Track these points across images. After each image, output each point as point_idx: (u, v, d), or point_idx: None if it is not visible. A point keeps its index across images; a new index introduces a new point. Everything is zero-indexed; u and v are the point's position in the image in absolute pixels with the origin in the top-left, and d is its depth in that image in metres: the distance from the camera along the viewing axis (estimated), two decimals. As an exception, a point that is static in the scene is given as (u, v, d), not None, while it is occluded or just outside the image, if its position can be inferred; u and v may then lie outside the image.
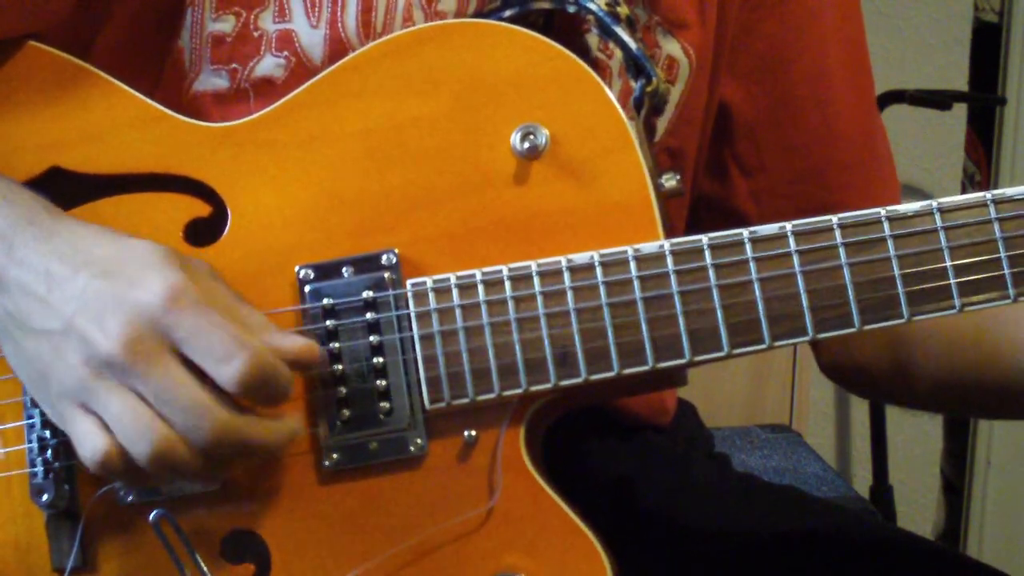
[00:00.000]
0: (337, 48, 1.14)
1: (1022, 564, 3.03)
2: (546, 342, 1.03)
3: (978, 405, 1.36)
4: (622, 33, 1.14)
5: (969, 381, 1.26)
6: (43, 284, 0.98)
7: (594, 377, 1.03)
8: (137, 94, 1.11)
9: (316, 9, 1.15)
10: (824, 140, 1.36)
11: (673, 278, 1.03)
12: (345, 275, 1.06)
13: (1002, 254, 1.01)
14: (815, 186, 1.34)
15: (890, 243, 1.01)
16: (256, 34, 1.16)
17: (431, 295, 1.04)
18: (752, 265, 1.02)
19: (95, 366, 0.96)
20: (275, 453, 1.03)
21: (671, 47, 1.26)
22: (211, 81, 1.16)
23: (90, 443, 0.97)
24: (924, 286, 1.01)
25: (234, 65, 1.16)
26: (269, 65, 1.16)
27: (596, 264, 1.03)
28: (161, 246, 1.00)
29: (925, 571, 1.28)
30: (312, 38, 1.15)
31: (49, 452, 1.06)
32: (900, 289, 1.01)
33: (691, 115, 1.30)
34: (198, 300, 0.97)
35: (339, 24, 1.15)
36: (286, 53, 1.15)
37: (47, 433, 1.06)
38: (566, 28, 1.18)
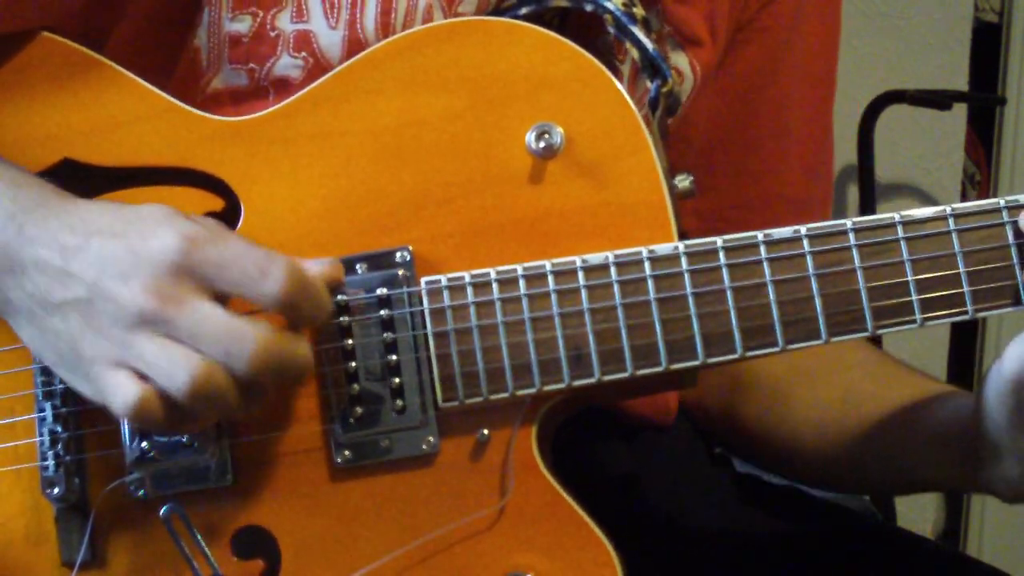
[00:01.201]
0: (356, 49, 1.13)
1: (1022, 564, 3.03)
2: (560, 342, 1.03)
3: (778, 461, 1.39)
4: (639, 33, 1.14)
5: (776, 436, 1.33)
6: (58, 256, 0.98)
7: (608, 377, 1.03)
8: (151, 87, 1.11)
9: (335, 10, 1.15)
10: (775, 172, 1.37)
11: (687, 279, 1.03)
12: (359, 272, 1.06)
13: (1015, 260, 1.01)
14: (758, 216, 1.35)
15: (903, 247, 1.02)
16: (273, 34, 1.15)
17: (445, 293, 1.04)
18: (766, 267, 1.02)
19: (127, 323, 0.96)
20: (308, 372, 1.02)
21: (679, 60, 1.27)
22: (230, 79, 1.16)
23: (122, 392, 0.96)
24: (937, 292, 1.01)
25: (251, 65, 1.16)
26: (286, 65, 1.15)
27: (610, 264, 1.03)
28: (165, 205, 1.00)
29: (925, 571, 1.28)
30: (331, 39, 1.15)
31: (60, 446, 1.06)
32: (913, 294, 1.01)
33: (688, 132, 1.31)
34: (214, 237, 0.97)
35: (358, 25, 1.14)
36: (304, 54, 1.15)
37: (58, 427, 1.06)
38: (581, 29, 1.18)
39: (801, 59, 1.36)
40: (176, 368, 0.95)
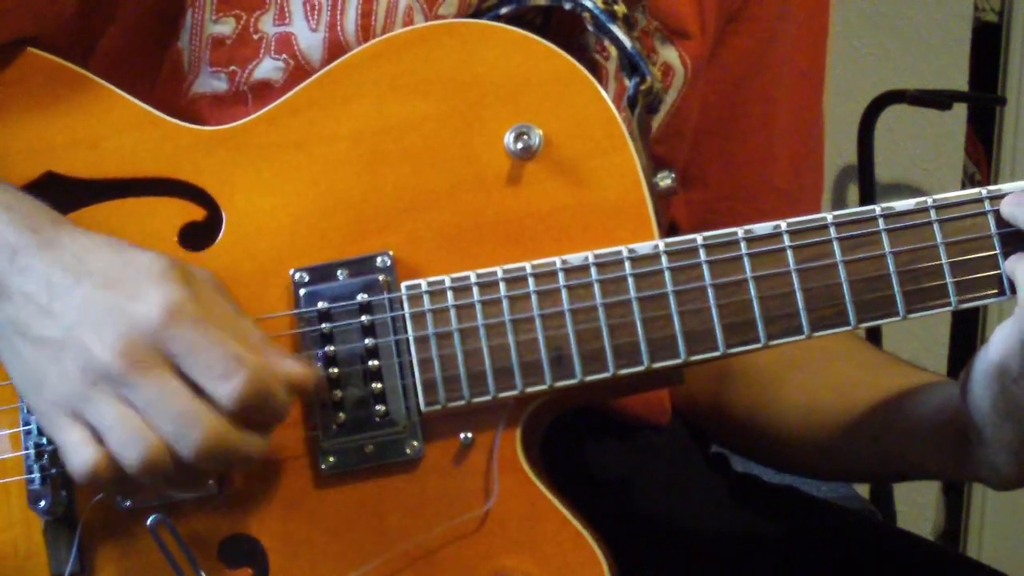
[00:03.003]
0: (336, 51, 1.14)
1: (1022, 564, 3.03)
2: (541, 343, 1.03)
3: (768, 453, 1.39)
4: (617, 31, 1.14)
5: (764, 429, 1.32)
6: (45, 293, 0.98)
7: (589, 378, 1.03)
8: (132, 99, 1.11)
9: (316, 12, 1.15)
10: (764, 161, 1.37)
11: (668, 277, 1.02)
12: (340, 278, 1.05)
13: (998, 251, 1.00)
14: (747, 206, 1.35)
15: (885, 240, 1.01)
16: (256, 37, 1.16)
17: (426, 297, 1.04)
18: (747, 263, 1.02)
19: (91, 376, 0.96)
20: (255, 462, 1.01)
21: (668, 54, 1.26)
22: (209, 83, 1.16)
23: (79, 454, 0.97)
24: (920, 283, 1.01)
25: (233, 67, 1.16)
26: (268, 68, 1.16)
27: (591, 264, 1.03)
28: (165, 258, 0.99)
29: (925, 571, 1.28)
30: (311, 41, 1.15)
31: (46, 458, 1.06)
32: (896, 287, 1.01)
33: (681, 126, 1.31)
34: (197, 316, 0.96)
35: (338, 27, 1.15)
36: (285, 56, 1.15)
37: (44, 439, 1.06)
38: (563, 27, 1.18)
39: (788, 50, 1.35)
40: (130, 441, 0.95)
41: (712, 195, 1.36)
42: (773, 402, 1.31)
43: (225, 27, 1.16)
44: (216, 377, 0.95)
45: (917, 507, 3.13)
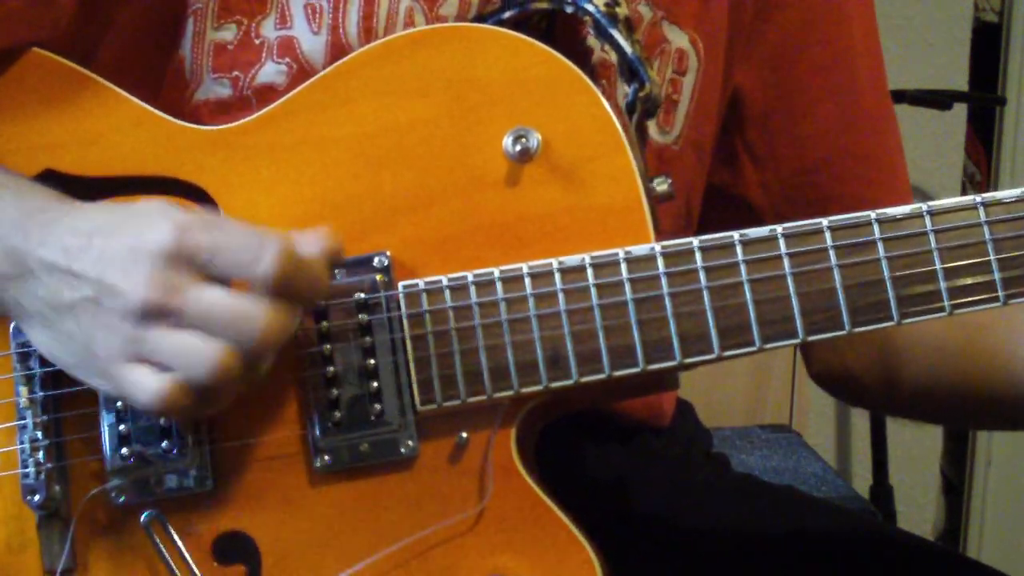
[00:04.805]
0: (339, 54, 1.14)
1: (1022, 564, 3.03)
2: (537, 344, 1.03)
3: (966, 415, 1.37)
4: (617, 36, 1.13)
5: (957, 390, 1.27)
6: (62, 257, 0.99)
7: (585, 379, 1.03)
8: (133, 98, 1.12)
9: (317, 15, 1.15)
10: (837, 130, 1.35)
11: (664, 280, 1.03)
12: (337, 277, 1.06)
13: (991, 257, 1.01)
14: (826, 176, 1.34)
15: (880, 246, 1.02)
16: (257, 41, 1.16)
17: (423, 297, 1.05)
18: (742, 267, 1.02)
19: (136, 317, 0.96)
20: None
21: (679, 40, 1.26)
22: (213, 90, 1.17)
23: (146, 388, 0.97)
24: (914, 289, 1.01)
25: (236, 72, 1.16)
26: (270, 72, 1.16)
27: (587, 266, 1.03)
28: (161, 200, 1.01)
29: (925, 571, 1.28)
30: (313, 44, 1.15)
31: (41, 453, 1.07)
32: (890, 291, 1.01)
33: (707, 106, 1.30)
34: (207, 223, 0.98)
35: (340, 30, 1.15)
36: (287, 60, 1.15)
37: (39, 434, 1.07)
38: (568, 30, 1.18)
39: (849, 13, 1.34)
40: (198, 358, 0.96)
41: (786, 171, 1.35)
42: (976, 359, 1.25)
43: (227, 33, 1.16)
44: (248, 262, 0.96)
45: (917, 507, 3.13)
